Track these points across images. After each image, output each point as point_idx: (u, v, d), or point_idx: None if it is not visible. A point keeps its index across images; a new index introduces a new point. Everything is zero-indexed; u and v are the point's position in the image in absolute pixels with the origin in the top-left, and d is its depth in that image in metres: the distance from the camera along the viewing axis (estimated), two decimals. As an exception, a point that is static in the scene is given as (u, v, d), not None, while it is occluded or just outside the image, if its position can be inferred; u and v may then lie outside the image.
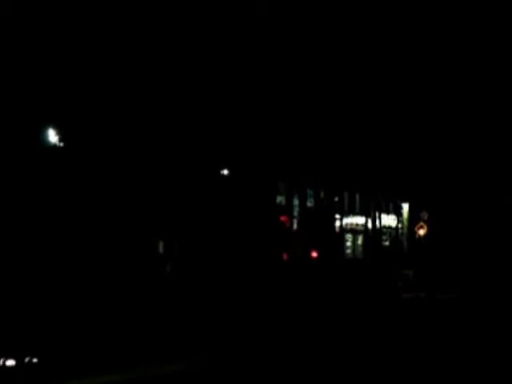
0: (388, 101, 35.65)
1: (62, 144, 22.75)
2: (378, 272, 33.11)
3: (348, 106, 33.46)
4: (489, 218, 40.89)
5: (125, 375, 15.00)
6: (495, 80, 37.74)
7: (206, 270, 25.79)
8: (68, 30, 22.76)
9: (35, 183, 22.11)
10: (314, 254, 30.39)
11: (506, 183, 40.45)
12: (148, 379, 14.82)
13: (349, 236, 34.77)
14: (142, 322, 20.34)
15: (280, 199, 29.81)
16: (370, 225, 37.17)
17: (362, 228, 36.38)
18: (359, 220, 36.62)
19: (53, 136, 22.68)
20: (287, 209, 29.69)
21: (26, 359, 16.39)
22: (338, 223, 33.98)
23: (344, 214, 34.60)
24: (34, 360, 16.48)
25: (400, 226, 40.05)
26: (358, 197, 35.88)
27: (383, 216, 39.05)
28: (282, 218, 28.32)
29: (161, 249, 26.02)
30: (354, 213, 35.81)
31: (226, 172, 26.98)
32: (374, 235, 37.02)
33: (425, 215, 39.80)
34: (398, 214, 40.69)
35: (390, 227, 39.59)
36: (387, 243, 38.80)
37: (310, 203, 31.72)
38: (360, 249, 35.46)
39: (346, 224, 34.92)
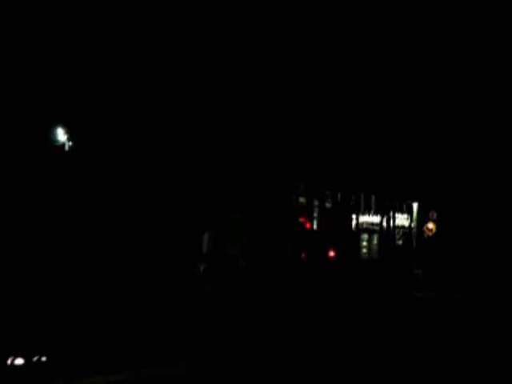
0: (398, 106, 36.01)
1: (70, 143, 22.68)
2: (391, 271, 34.34)
3: (360, 112, 33.96)
4: (498, 216, 40.59)
5: (135, 374, 14.97)
6: (501, 78, 37.82)
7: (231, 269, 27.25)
8: (74, 28, 22.73)
9: (44, 182, 21.89)
10: (332, 254, 31.51)
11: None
12: (159, 378, 14.79)
13: (364, 236, 35.76)
14: (159, 321, 20.28)
15: (301, 200, 30.83)
16: (384, 225, 37.80)
17: (377, 228, 37.10)
18: (374, 220, 37.31)
19: (61, 135, 22.60)
20: (308, 209, 30.81)
21: (35, 358, 16.33)
22: (354, 223, 34.88)
23: (360, 215, 35.54)
24: (43, 359, 16.39)
25: (413, 225, 40.51)
26: (373, 198, 36.79)
27: (397, 216, 39.49)
28: (301, 219, 29.57)
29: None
30: (370, 213, 36.64)
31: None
32: (388, 235, 37.75)
33: (433, 214, 40.21)
34: (411, 213, 41.12)
35: (403, 227, 40.16)
36: (400, 242, 39.49)
37: (328, 204, 32.67)
38: (375, 248, 36.26)
39: (362, 224, 35.80)
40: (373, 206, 37.10)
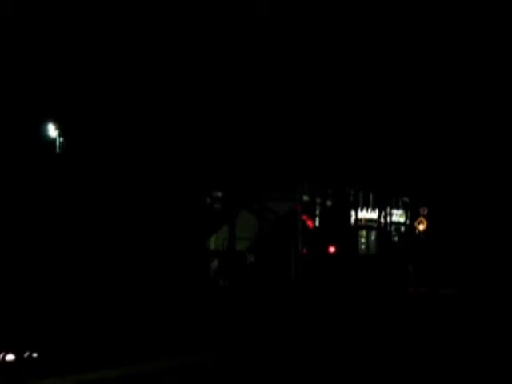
0: (393, 106, 36.35)
1: (61, 139, 22.58)
2: (387, 266, 35.69)
3: (357, 112, 34.36)
4: (489, 212, 40.37)
5: (128, 369, 14.37)
6: (494, 77, 37.80)
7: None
8: (68, 25, 22.59)
9: (36, 178, 21.59)
10: (332, 250, 32.77)
11: (507, 177, 39.74)
12: (156, 372, 14.31)
13: (363, 232, 37.22)
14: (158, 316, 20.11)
15: (305, 198, 32.22)
16: (381, 221, 38.78)
17: (374, 224, 38.36)
18: (372, 217, 38.63)
19: (52, 130, 22.50)
20: (310, 207, 32.42)
21: (26, 354, 16.16)
22: (353, 220, 36.21)
23: (358, 212, 36.96)
24: (34, 355, 16.22)
25: (408, 222, 41.46)
26: (371, 195, 38.24)
27: (393, 212, 40.47)
28: (304, 217, 31.05)
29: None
30: (368, 210, 38.10)
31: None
32: (384, 231, 38.88)
33: (424, 210, 40.16)
34: (407, 210, 42.08)
35: (399, 223, 41.34)
36: (396, 239, 40.61)
37: (329, 202, 34.13)
38: (373, 244, 37.70)
39: (361, 220, 37.15)
40: (371, 203, 38.40)
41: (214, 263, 26.78)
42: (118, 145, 23.86)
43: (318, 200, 33.56)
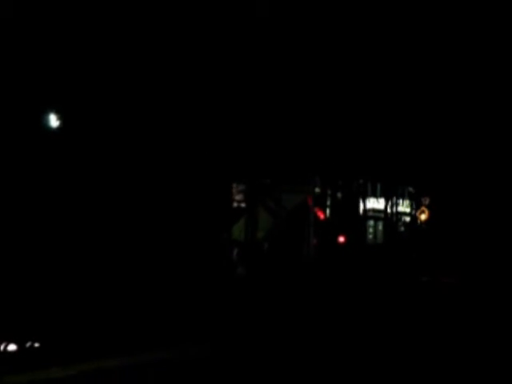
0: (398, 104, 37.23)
1: (63, 129, 21.88)
2: (393, 255, 37.01)
3: (365, 109, 35.20)
4: (491, 202, 40.78)
5: (131, 359, 14.37)
6: (497, 71, 38.21)
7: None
8: (70, 16, 22.17)
9: (38, 168, 21.11)
10: (341, 239, 34.19)
11: (508, 168, 40.04)
12: (155, 363, 14.24)
13: (370, 222, 38.67)
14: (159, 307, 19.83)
15: (317, 190, 33.77)
16: (388, 212, 39.94)
17: (381, 215, 39.61)
18: (380, 207, 39.92)
19: (54, 121, 21.96)
20: (322, 199, 34.02)
21: (28, 344, 16.01)
22: (361, 211, 37.65)
23: (367, 203, 38.42)
24: (36, 345, 16.07)
25: (413, 212, 42.63)
26: (378, 186, 39.71)
27: (399, 202, 41.78)
28: (316, 209, 32.53)
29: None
30: (375, 201, 39.56)
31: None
32: (391, 221, 40.19)
33: (426, 200, 40.99)
34: (412, 200, 43.29)
35: (405, 213, 42.61)
36: (402, 228, 41.80)
37: (339, 194, 35.62)
38: (380, 234, 39.14)
39: (369, 211, 38.59)
40: (378, 194, 39.79)
41: (234, 252, 28.13)
42: (136, 135, 23.84)
43: (329, 192, 34.96)
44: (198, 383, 13.40)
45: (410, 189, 43.46)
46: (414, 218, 42.86)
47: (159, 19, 24.28)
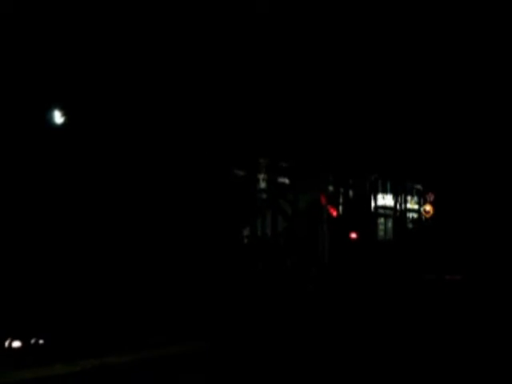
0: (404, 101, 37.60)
1: (68, 125, 21.35)
2: (399, 252, 37.64)
3: (376, 109, 35.58)
4: (495, 198, 41.11)
5: (135, 355, 14.53)
6: (498, 71, 38.40)
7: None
8: (73, 12, 21.75)
9: (42, 165, 20.58)
10: (354, 236, 34.99)
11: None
12: (156, 360, 14.39)
13: (381, 219, 39.67)
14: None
15: (330, 189, 34.88)
16: (398, 208, 41.04)
17: (391, 212, 40.58)
18: (390, 204, 40.79)
19: (59, 117, 21.50)
20: (335, 197, 35.21)
21: (32, 341, 16.00)
22: (372, 208, 38.47)
23: (377, 200, 39.32)
24: (41, 341, 16.06)
25: (420, 208, 43.67)
26: (388, 185, 40.76)
27: (408, 200, 42.82)
28: (329, 207, 33.56)
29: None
30: (385, 198, 40.48)
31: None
32: (400, 218, 41.18)
33: (431, 196, 42.00)
34: (419, 197, 44.38)
35: (413, 210, 43.62)
36: (411, 225, 42.52)
37: (351, 191, 36.67)
38: (390, 230, 40.11)
39: (379, 208, 39.40)
40: (388, 191, 40.84)
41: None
42: (146, 130, 23.48)
43: (342, 190, 36.05)
44: (198, 379, 13.22)
45: (418, 186, 44.25)
46: (420, 214, 43.67)
47: (159, 14, 24.09)
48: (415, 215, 44.18)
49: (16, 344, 16.03)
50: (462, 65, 38.62)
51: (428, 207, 41.80)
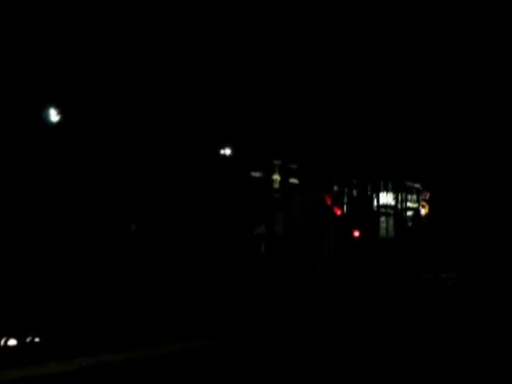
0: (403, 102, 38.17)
1: (63, 123, 20.84)
2: (398, 249, 38.85)
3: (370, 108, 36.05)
4: (492, 198, 41.37)
5: (132, 354, 14.44)
6: (497, 71, 38.68)
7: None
8: (70, 9, 21.50)
9: (38, 163, 20.10)
10: (356, 234, 36.25)
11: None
12: (155, 358, 14.27)
13: (382, 218, 40.51)
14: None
15: (335, 188, 36.03)
16: (398, 207, 42.11)
17: (392, 211, 41.63)
18: (391, 203, 41.81)
19: (54, 115, 21.06)
20: (339, 197, 36.35)
21: (28, 339, 15.93)
22: (375, 207, 39.67)
23: (379, 200, 40.33)
24: (36, 340, 16.00)
25: (418, 207, 44.54)
26: (390, 184, 41.60)
27: (408, 199, 43.73)
28: (334, 207, 34.40)
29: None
30: (387, 197, 41.38)
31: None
32: (400, 217, 42.31)
33: (426, 194, 42.82)
34: (418, 196, 45.01)
35: (413, 209, 44.55)
36: (410, 224, 43.53)
37: (354, 191, 37.83)
38: (391, 229, 41.10)
39: (381, 207, 40.42)
40: (389, 191, 41.66)
41: (263, 245, 29.55)
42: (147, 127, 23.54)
43: (346, 190, 37.24)
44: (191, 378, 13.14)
45: (417, 185, 45.33)
46: (417, 212, 44.62)
47: (158, 13, 23.98)
48: (415, 214, 45.15)
49: (11, 342, 15.88)
50: (460, 66, 39.24)
51: (425, 205, 43.00)
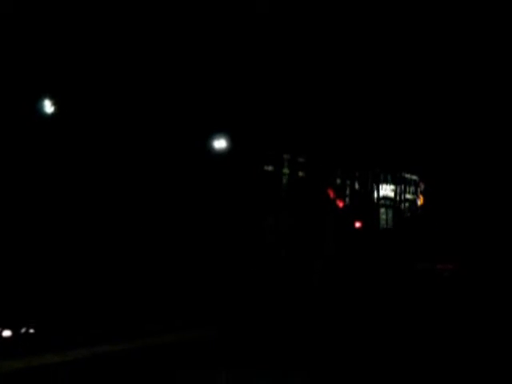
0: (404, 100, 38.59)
1: (58, 115, 20.85)
2: (400, 239, 39.23)
3: (369, 104, 36.36)
4: (487, 188, 40.76)
5: (126, 345, 14.44)
6: (496, 69, 38.79)
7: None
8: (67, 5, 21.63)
9: (33, 156, 20.32)
10: (358, 225, 37.16)
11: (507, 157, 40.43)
12: (150, 348, 14.34)
13: (382, 210, 41.64)
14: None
15: (338, 181, 37.01)
16: (397, 199, 43.10)
17: (391, 203, 42.58)
18: (391, 195, 42.72)
19: (49, 107, 21.03)
20: (342, 189, 37.43)
21: (23, 330, 15.85)
22: (375, 199, 40.65)
23: (379, 191, 41.31)
24: (31, 331, 15.96)
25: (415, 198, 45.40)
26: (389, 177, 42.79)
27: (407, 190, 44.64)
28: (337, 200, 35.65)
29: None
30: (386, 189, 42.41)
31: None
32: (399, 208, 43.41)
33: (421, 186, 43.50)
34: (416, 187, 45.76)
35: (411, 200, 45.43)
36: (409, 215, 44.56)
37: (356, 184, 38.82)
38: (391, 220, 42.16)
39: (381, 199, 41.39)
40: (388, 183, 42.73)
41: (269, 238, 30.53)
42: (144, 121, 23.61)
43: (348, 182, 38.23)
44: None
45: (415, 177, 46.20)
46: (415, 204, 45.36)
47: (158, 13, 23.85)
48: (412, 205, 45.89)
49: (6, 333, 15.84)
50: (458, 64, 39.53)
51: (421, 197, 43.91)
